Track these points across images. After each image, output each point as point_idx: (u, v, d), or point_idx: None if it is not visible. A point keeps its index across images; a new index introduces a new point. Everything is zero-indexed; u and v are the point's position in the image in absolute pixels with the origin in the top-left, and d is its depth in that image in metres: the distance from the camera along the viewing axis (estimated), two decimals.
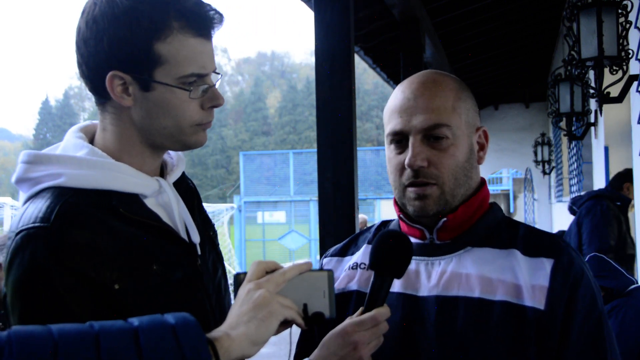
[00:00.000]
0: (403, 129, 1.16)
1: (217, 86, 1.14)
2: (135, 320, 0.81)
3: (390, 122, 1.19)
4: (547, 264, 1.13)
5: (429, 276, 1.17)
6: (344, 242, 1.39)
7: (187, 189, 1.28)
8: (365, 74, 51.76)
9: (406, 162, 1.15)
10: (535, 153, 10.30)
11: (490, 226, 1.21)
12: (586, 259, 3.26)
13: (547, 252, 1.15)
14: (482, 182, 1.26)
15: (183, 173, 1.29)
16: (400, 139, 1.18)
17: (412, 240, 1.21)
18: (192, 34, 1.07)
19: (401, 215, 1.23)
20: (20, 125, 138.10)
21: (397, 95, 1.21)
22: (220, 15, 1.11)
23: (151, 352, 0.76)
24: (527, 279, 1.12)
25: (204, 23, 1.09)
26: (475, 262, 1.16)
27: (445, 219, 1.17)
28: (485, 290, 1.12)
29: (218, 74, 1.14)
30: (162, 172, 1.23)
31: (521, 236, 1.19)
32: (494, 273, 1.14)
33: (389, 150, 1.22)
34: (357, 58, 6.02)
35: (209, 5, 1.11)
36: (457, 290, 1.13)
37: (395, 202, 1.25)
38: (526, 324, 1.08)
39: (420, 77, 1.21)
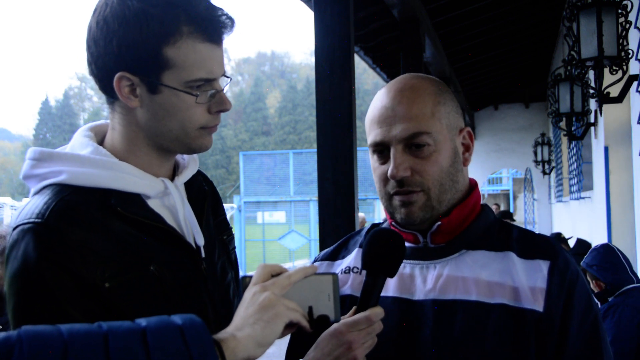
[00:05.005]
0: (383, 139, 1.15)
1: (225, 90, 1.14)
2: (142, 321, 0.82)
3: (371, 133, 1.18)
4: (543, 266, 1.13)
5: (425, 280, 1.17)
6: (334, 245, 1.37)
7: (199, 191, 1.27)
8: (365, 74, 51.74)
9: (389, 173, 1.14)
10: (535, 153, 10.31)
11: (484, 229, 1.21)
12: (597, 246, 3.23)
13: (543, 254, 1.15)
14: (473, 184, 1.25)
15: (199, 174, 1.29)
16: (382, 150, 1.17)
17: (406, 244, 1.20)
18: (201, 39, 1.07)
19: (393, 223, 1.22)
20: (20, 125, 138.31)
21: (376, 104, 1.19)
22: (232, 19, 1.11)
23: (159, 352, 0.77)
24: (524, 282, 1.12)
25: (214, 28, 1.09)
26: (471, 265, 1.16)
27: (439, 222, 1.17)
28: (483, 293, 1.12)
29: (228, 77, 1.14)
30: (174, 173, 1.22)
31: (515, 238, 1.19)
32: (490, 276, 1.13)
33: (372, 160, 1.21)
34: (357, 58, 6.03)
35: (220, 9, 1.10)
36: (454, 294, 1.13)
37: (386, 210, 1.24)
38: (525, 326, 1.08)
39: (397, 84, 1.19)
